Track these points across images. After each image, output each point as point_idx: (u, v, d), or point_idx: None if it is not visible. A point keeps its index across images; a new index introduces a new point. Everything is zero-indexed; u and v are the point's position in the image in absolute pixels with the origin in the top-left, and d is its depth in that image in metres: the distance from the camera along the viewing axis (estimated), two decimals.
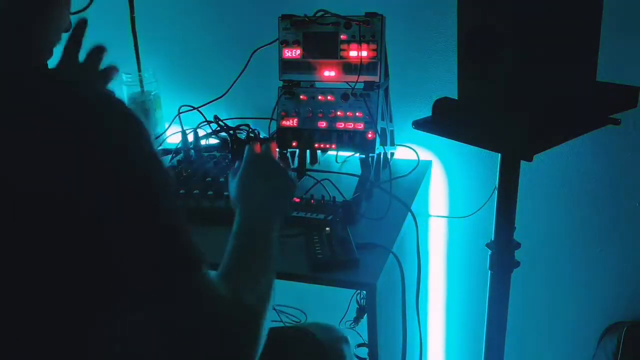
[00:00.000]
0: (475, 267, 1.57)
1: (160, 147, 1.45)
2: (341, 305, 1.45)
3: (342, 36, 1.19)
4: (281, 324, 1.57)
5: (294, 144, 1.25)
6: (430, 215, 1.53)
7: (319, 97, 1.23)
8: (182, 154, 1.37)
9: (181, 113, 1.46)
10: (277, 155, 1.04)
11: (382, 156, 1.27)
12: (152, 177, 0.57)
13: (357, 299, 1.35)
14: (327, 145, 1.24)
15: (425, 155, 1.47)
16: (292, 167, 1.26)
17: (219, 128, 1.40)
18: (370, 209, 1.16)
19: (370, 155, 1.21)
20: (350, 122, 1.21)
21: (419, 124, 1.00)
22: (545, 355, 1.63)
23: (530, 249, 1.46)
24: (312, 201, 1.14)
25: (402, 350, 1.02)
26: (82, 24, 0.79)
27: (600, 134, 0.97)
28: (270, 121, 1.34)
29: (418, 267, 1.09)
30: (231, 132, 1.35)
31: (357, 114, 1.20)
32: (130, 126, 0.57)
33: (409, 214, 1.13)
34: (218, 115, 1.42)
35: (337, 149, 1.25)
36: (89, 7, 0.82)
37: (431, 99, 0.97)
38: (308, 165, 1.31)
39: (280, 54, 1.25)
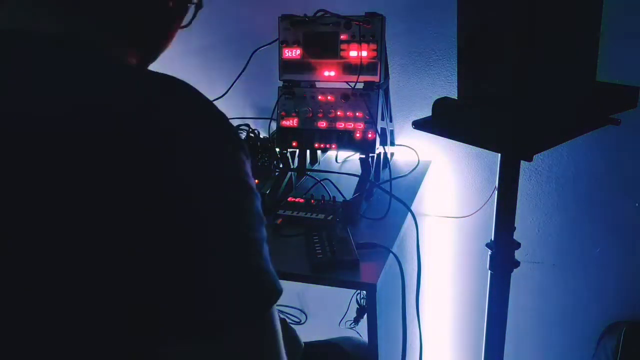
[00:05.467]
0: (475, 267, 1.58)
1: None
2: (341, 305, 1.45)
3: (342, 36, 1.19)
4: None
5: (294, 144, 1.25)
6: (430, 215, 1.53)
7: (319, 97, 1.23)
8: None
9: None
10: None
11: (382, 156, 1.27)
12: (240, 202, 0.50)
13: (357, 299, 1.35)
14: (327, 145, 1.24)
15: (425, 155, 1.47)
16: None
17: None
18: (370, 209, 1.16)
19: (370, 155, 1.21)
20: (350, 122, 1.21)
21: (419, 124, 0.99)
22: (545, 354, 1.63)
23: (530, 249, 1.47)
24: (312, 201, 1.14)
25: (402, 350, 1.02)
26: None
27: (600, 134, 0.97)
28: (270, 121, 1.34)
29: (418, 267, 1.09)
30: None
31: (357, 114, 1.20)
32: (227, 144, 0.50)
33: (409, 214, 1.13)
34: None
35: (337, 149, 1.25)
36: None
37: (431, 99, 0.97)
38: (308, 165, 1.31)
39: (280, 54, 1.25)
